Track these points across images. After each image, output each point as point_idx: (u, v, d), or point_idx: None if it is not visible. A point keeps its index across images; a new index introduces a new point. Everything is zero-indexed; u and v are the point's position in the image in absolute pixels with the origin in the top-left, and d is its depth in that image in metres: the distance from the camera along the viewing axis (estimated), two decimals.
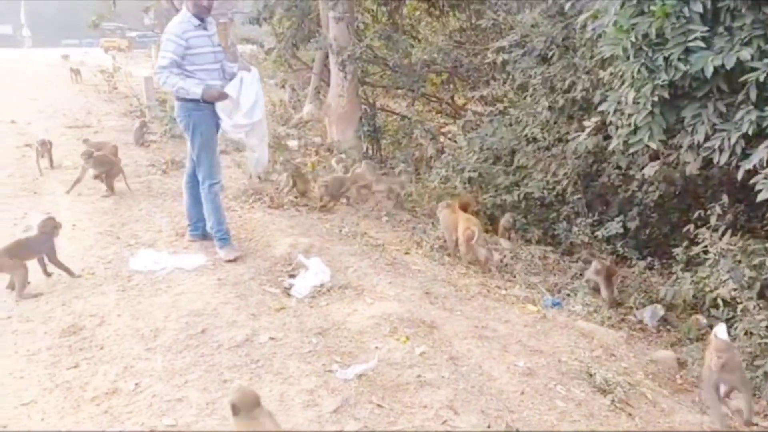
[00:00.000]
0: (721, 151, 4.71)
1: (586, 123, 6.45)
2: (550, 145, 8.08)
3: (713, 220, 5.92)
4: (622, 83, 5.15)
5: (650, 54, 4.73)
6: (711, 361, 3.95)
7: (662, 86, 4.71)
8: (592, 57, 6.72)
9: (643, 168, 6.53)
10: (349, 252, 5.74)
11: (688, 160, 5.36)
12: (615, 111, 5.34)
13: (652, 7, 4.62)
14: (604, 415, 3.81)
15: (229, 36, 8.67)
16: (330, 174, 7.99)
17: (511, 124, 8.48)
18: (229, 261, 5.24)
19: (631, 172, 7.35)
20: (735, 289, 5.26)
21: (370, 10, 12.98)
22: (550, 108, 7.72)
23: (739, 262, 5.40)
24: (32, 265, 4.85)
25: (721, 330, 5.44)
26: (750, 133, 4.48)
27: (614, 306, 6.22)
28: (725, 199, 6.05)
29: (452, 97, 13.13)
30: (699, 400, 4.50)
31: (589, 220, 7.56)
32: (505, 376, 3.95)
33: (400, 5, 12.67)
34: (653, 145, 5.12)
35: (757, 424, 4.09)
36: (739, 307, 5.22)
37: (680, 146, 5.17)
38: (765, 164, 4.46)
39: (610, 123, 5.54)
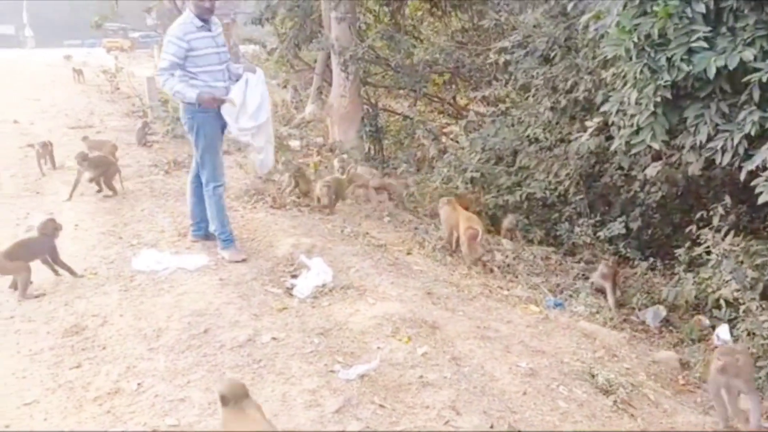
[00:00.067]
0: (723, 151, 4.70)
1: (588, 123, 6.45)
2: (552, 146, 8.08)
3: (716, 221, 5.91)
4: (625, 84, 5.15)
5: (653, 54, 4.73)
6: (713, 363, 3.94)
7: (665, 87, 4.71)
8: (594, 57, 6.72)
9: (645, 168, 6.53)
10: (351, 252, 5.74)
11: (690, 161, 5.36)
12: (617, 111, 5.34)
13: (655, 8, 4.62)
14: (606, 415, 3.80)
15: (231, 36, 8.69)
16: (330, 175, 7.93)
17: (513, 125, 8.48)
18: (233, 261, 5.23)
19: (634, 173, 7.35)
20: (737, 290, 5.25)
21: (372, 10, 12.99)
22: (552, 108, 7.71)
23: (742, 262, 5.39)
24: (35, 265, 4.85)
25: (723, 331, 5.45)
26: (753, 133, 4.47)
27: (618, 308, 6.21)
28: (728, 199, 6.04)
29: (454, 98, 13.14)
30: (701, 401, 4.50)
31: (592, 221, 7.56)
32: (508, 377, 3.95)
33: (402, 5, 12.68)
34: (656, 146, 5.12)
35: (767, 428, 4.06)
36: (742, 307, 5.22)
37: (683, 147, 5.16)
38: (767, 165, 4.45)
39: (613, 123, 5.54)
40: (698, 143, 4.84)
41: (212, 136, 5.21)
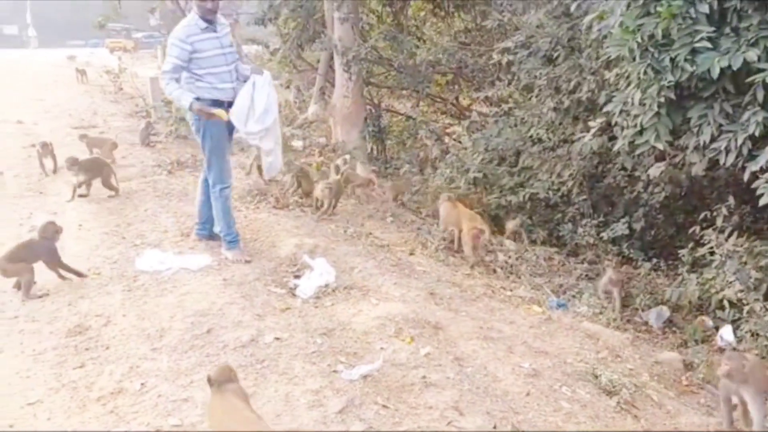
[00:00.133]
0: (727, 152, 4.70)
1: (591, 124, 6.44)
2: (555, 146, 8.07)
3: (719, 222, 5.90)
4: (628, 84, 5.14)
5: (656, 55, 4.72)
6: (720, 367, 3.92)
7: (668, 87, 4.70)
8: (597, 58, 6.72)
9: (648, 169, 6.52)
10: (354, 252, 5.74)
11: (694, 161, 5.35)
12: (621, 112, 5.33)
13: (659, 8, 4.61)
14: (609, 416, 3.80)
15: (234, 37, 8.68)
16: (329, 177, 7.86)
17: (516, 125, 8.47)
18: (236, 262, 5.24)
19: (637, 173, 7.34)
20: (741, 291, 5.25)
21: (374, 10, 12.98)
22: (555, 109, 7.71)
23: (745, 263, 5.39)
24: (39, 265, 4.86)
25: (726, 332, 5.45)
26: (756, 134, 4.46)
27: (621, 310, 6.20)
28: (731, 200, 6.04)
29: (457, 98, 13.13)
30: (705, 402, 4.49)
31: (595, 221, 7.56)
32: (511, 378, 3.95)
33: (405, 6, 12.67)
34: (659, 146, 5.11)
35: None
36: (746, 308, 5.22)
37: (686, 147, 5.16)
38: None
39: (616, 124, 5.53)
40: (702, 144, 4.83)
41: (219, 138, 5.18)
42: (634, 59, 4.89)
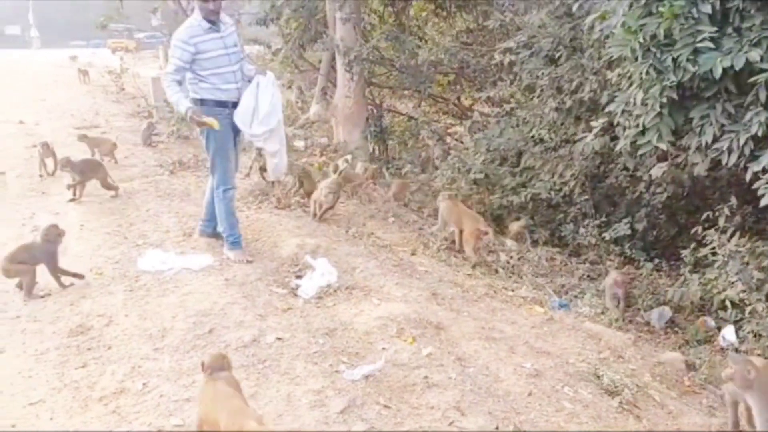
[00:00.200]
0: (729, 152, 4.69)
1: (593, 124, 6.44)
2: (557, 146, 8.07)
3: (721, 222, 5.89)
4: (630, 84, 5.14)
5: (658, 55, 4.72)
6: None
7: (670, 87, 4.70)
8: (599, 58, 6.71)
9: (650, 169, 6.51)
10: (356, 253, 5.74)
11: (696, 162, 5.35)
12: (623, 112, 5.32)
13: (661, 8, 4.60)
14: (611, 416, 3.80)
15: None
16: (328, 179, 7.62)
17: (518, 125, 8.46)
18: (238, 262, 5.24)
19: (639, 174, 7.33)
20: (743, 291, 5.24)
21: (376, 11, 12.97)
22: (557, 109, 7.70)
23: (748, 263, 5.38)
24: (41, 266, 4.87)
25: (729, 332, 5.44)
26: (759, 134, 4.45)
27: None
28: (733, 200, 6.03)
29: (459, 98, 13.12)
30: (707, 402, 4.48)
31: (597, 222, 7.55)
32: (512, 378, 3.95)
33: (406, 6, 12.67)
34: (662, 146, 5.11)
35: None
36: (748, 309, 5.20)
37: (688, 147, 5.15)
38: None
39: (618, 124, 5.53)
40: (704, 144, 4.82)
41: (222, 140, 5.15)
42: (636, 59, 4.88)
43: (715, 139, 4.75)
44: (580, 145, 7.19)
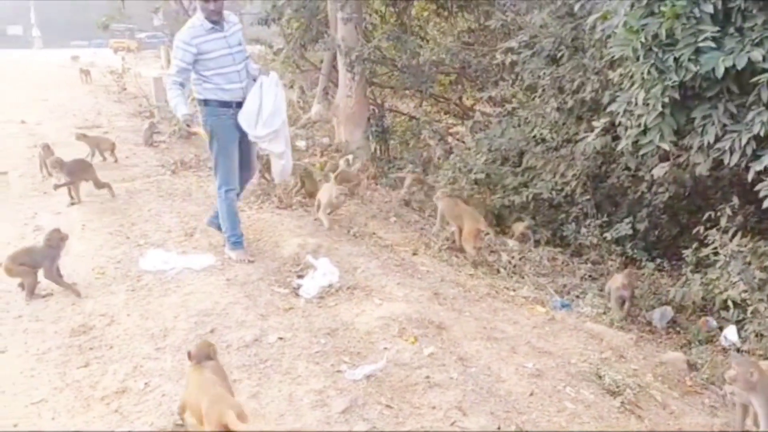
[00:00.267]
0: (731, 152, 4.69)
1: (595, 124, 6.43)
2: (558, 146, 8.06)
3: (723, 222, 5.88)
4: (632, 84, 5.13)
5: (660, 55, 4.71)
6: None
7: (672, 87, 4.69)
8: (601, 58, 6.70)
9: (652, 169, 6.51)
10: (358, 252, 5.74)
11: (698, 161, 5.34)
12: (624, 112, 5.32)
13: (662, 8, 4.60)
14: (613, 417, 3.79)
15: None
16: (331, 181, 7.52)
17: (519, 125, 8.45)
18: (240, 262, 5.23)
19: (641, 173, 7.32)
20: (745, 291, 5.24)
21: (378, 10, 12.96)
22: (558, 109, 7.69)
23: (750, 263, 5.37)
24: None
25: (731, 332, 5.44)
26: (761, 134, 4.45)
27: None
28: (735, 200, 6.02)
29: (460, 98, 13.10)
30: (709, 403, 4.48)
31: (598, 222, 7.54)
32: (514, 378, 3.94)
33: (408, 6, 12.66)
34: (664, 146, 5.10)
35: None
36: (750, 309, 5.20)
37: (690, 147, 5.14)
38: None
39: (620, 124, 5.52)
40: (706, 144, 4.82)
41: (226, 140, 5.14)
42: (638, 59, 4.88)
43: (717, 139, 4.75)
44: (581, 145, 7.18)
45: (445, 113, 13.77)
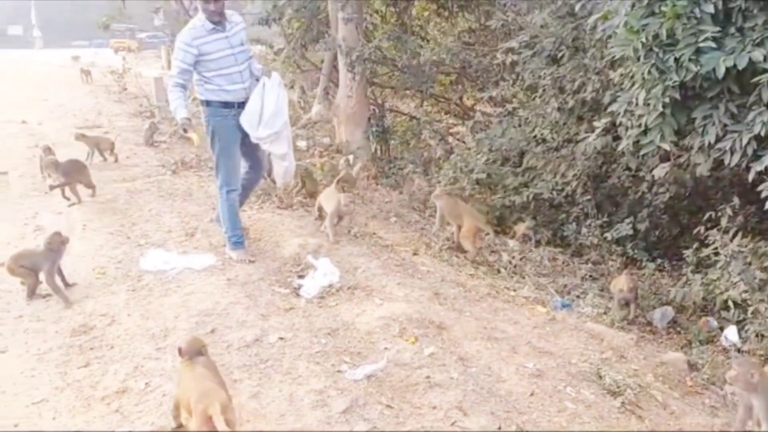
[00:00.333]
0: (732, 152, 4.68)
1: (595, 124, 6.43)
2: (559, 146, 8.05)
3: (724, 222, 5.87)
4: (633, 84, 5.13)
5: (661, 55, 4.71)
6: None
7: (673, 87, 4.69)
8: (602, 58, 6.70)
9: (653, 169, 6.50)
10: (358, 252, 5.74)
11: (698, 162, 5.33)
12: (625, 112, 5.32)
13: (663, 8, 4.60)
14: (614, 417, 3.79)
15: None
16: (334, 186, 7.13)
17: (520, 125, 8.45)
18: (240, 262, 5.23)
19: (641, 174, 7.31)
20: (746, 291, 5.23)
21: (378, 10, 12.96)
22: (559, 109, 7.69)
23: (750, 264, 5.37)
24: None
25: (731, 332, 5.43)
26: (762, 134, 4.44)
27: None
28: (736, 200, 6.01)
29: (461, 98, 13.09)
30: (709, 403, 4.47)
31: (599, 222, 7.53)
32: (515, 378, 3.94)
33: (408, 6, 12.65)
34: (664, 146, 5.10)
35: None
36: (750, 309, 5.19)
37: (691, 147, 5.14)
38: None
39: (620, 124, 5.52)
40: (706, 144, 4.82)
41: (227, 140, 5.13)
42: (638, 59, 4.87)
43: (718, 139, 4.74)
44: (582, 145, 7.18)
45: (446, 113, 13.76)
